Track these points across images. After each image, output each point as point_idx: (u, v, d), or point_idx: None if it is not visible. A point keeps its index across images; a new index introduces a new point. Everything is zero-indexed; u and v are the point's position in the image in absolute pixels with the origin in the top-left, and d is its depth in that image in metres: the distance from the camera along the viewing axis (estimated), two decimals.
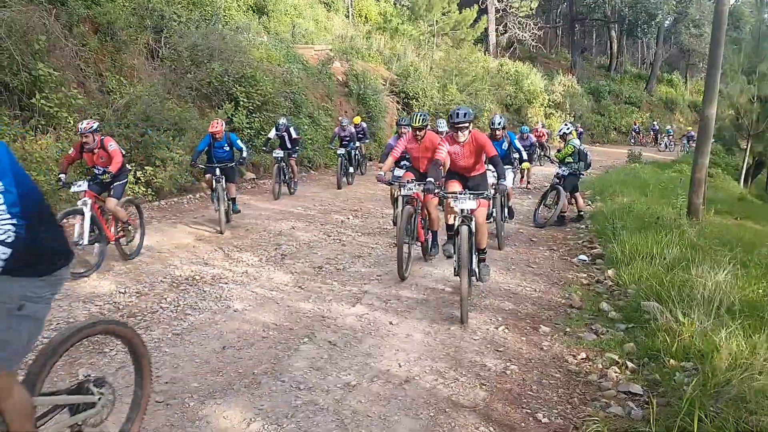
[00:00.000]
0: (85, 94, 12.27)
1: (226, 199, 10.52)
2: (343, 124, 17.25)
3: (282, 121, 14.64)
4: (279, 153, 14.01)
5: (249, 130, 16.52)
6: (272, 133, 14.50)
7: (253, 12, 26.59)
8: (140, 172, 12.11)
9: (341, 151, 16.63)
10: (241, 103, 16.71)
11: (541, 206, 12.33)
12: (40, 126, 11.09)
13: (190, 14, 18.35)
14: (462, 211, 6.48)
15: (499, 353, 5.45)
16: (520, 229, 11.57)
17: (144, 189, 12.12)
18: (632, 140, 40.75)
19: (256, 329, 5.91)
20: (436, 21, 36.01)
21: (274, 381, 4.75)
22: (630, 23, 49.21)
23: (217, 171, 10.41)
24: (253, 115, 16.91)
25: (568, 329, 6.06)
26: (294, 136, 14.76)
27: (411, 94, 28.37)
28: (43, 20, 11.74)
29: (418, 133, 8.28)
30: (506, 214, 10.51)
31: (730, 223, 13.64)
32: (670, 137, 40.35)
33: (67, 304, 6.46)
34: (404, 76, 28.95)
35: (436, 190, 6.72)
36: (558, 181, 11.95)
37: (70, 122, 11.34)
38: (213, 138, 10.55)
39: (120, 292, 7.00)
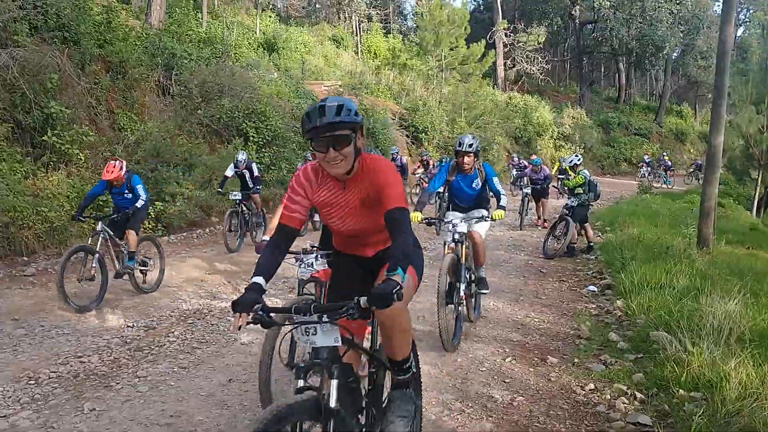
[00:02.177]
0: (96, 131, 12.45)
1: (117, 259, 8.44)
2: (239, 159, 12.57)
3: (241, 156, 12.40)
4: (236, 195, 11.96)
5: (259, 165, 16.63)
6: (229, 171, 12.26)
7: (264, 49, 27.03)
8: (151, 208, 12.21)
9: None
10: (251, 138, 16.87)
11: (550, 237, 12.28)
12: (51, 163, 11.23)
13: (200, 52, 18.68)
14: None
15: (506, 384, 5.39)
16: (529, 260, 11.54)
17: (154, 224, 12.22)
18: (644, 173, 34.81)
19: None
20: (444, 56, 36.35)
21: None
22: (638, 56, 49.38)
23: (100, 225, 8.14)
24: (263, 150, 17.05)
25: (576, 360, 6.00)
26: (255, 173, 12.49)
27: (420, 128, 28.56)
28: (56, 59, 11.95)
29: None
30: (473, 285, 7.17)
31: (741, 253, 13.52)
32: (651, 167, 35.23)
33: (75, 339, 6.48)
34: (413, 110, 29.21)
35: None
36: (567, 212, 11.93)
37: (81, 159, 11.49)
38: (110, 184, 8.39)
39: (128, 326, 7.02)
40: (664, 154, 43.28)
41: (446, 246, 6.59)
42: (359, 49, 37.40)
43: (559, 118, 41.24)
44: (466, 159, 6.77)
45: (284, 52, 27.92)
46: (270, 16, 33.31)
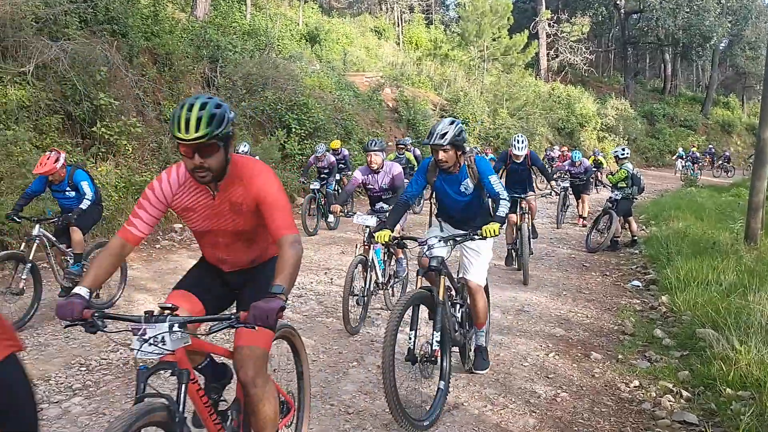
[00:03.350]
0: (143, 123, 12.68)
1: (63, 270, 7.45)
2: (318, 153, 13.60)
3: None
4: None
5: (300, 156, 16.76)
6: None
7: (306, 41, 27.17)
8: None
9: (315, 185, 13.19)
10: (294, 129, 17.00)
11: (594, 231, 12.14)
12: (100, 153, 11.49)
13: (245, 44, 18.87)
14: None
15: (549, 380, 5.38)
16: (572, 254, 11.44)
17: None
18: (686, 166, 32.96)
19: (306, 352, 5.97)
20: (487, 46, 36.09)
21: (323, 404, 4.78)
22: (684, 46, 48.31)
23: (37, 228, 6.97)
24: (305, 141, 17.17)
25: (620, 356, 5.95)
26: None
27: (461, 119, 28.39)
28: (105, 52, 12.21)
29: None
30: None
31: None
32: (685, 159, 32.80)
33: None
34: (454, 101, 29.07)
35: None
36: (611, 205, 11.78)
37: (129, 150, 11.73)
38: (49, 180, 7.18)
39: None
40: (711, 146, 42.33)
41: (417, 279, 4.84)
42: (401, 40, 37.32)
43: (602, 109, 40.59)
44: (441, 155, 4.82)
45: (326, 44, 28.01)
46: (312, 8, 33.44)
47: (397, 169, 7.44)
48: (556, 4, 49.16)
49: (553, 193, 11.71)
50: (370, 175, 7.46)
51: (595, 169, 18.52)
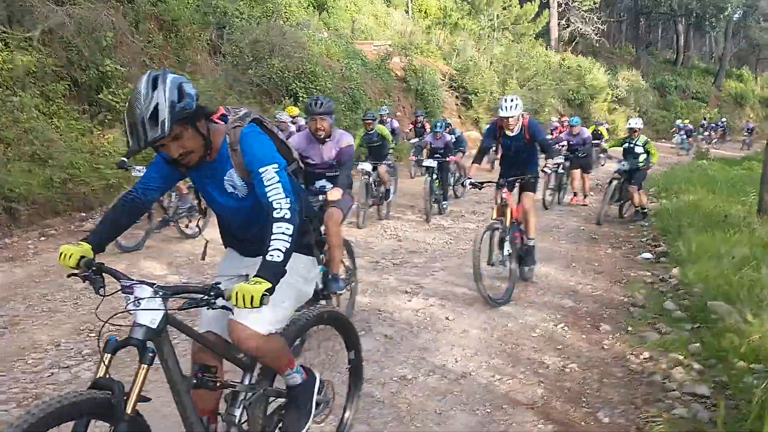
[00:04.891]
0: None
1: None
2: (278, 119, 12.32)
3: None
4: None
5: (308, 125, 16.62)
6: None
7: (314, 8, 26.84)
8: None
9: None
10: (300, 98, 16.86)
11: (607, 204, 11.79)
12: (107, 120, 11.42)
13: (251, 11, 18.64)
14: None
15: (558, 351, 5.34)
16: (581, 226, 11.34)
17: None
18: (701, 138, 34.03)
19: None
20: (497, 15, 35.66)
21: (330, 373, 4.75)
22: (698, 17, 47.69)
23: None
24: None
25: (630, 328, 5.89)
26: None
27: (470, 89, 28.17)
28: (111, 17, 12.07)
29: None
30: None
31: None
32: (682, 132, 31.13)
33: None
34: (463, 71, 28.80)
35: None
36: (619, 176, 11.54)
37: None
38: None
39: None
40: (723, 118, 41.87)
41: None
42: (410, 8, 36.85)
43: (613, 80, 40.17)
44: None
45: (334, 11, 27.67)
46: None
47: (348, 140, 5.85)
48: None
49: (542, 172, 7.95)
50: (311, 145, 5.81)
51: (597, 141, 17.77)
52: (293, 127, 12.10)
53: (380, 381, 4.63)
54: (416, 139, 16.12)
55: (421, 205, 11.78)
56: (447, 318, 6.06)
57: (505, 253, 6.64)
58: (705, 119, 40.79)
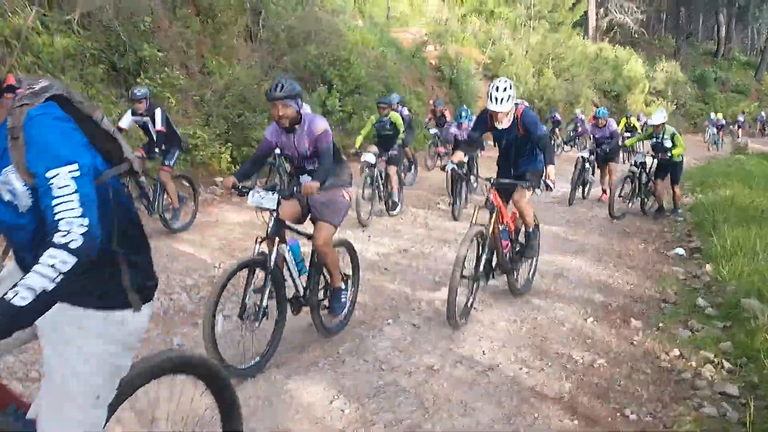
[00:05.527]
0: (187, 75, 12.70)
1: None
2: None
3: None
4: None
5: (341, 113, 16.66)
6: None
7: None
8: (236, 152, 12.43)
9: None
10: (335, 86, 16.86)
11: (635, 199, 11.49)
12: None
13: None
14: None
15: (587, 345, 5.31)
16: (614, 220, 11.20)
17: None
18: (732, 132, 33.96)
19: None
20: (534, 4, 35.22)
21: (357, 360, 4.80)
22: (740, 7, 46.61)
23: None
24: (346, 98, 17.04)
25: (661, 324, 5.83)
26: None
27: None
28: (149, 2, 12.20)
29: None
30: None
31: None
32: (722, 127, 30.63)
33: (165, 276, 6.70)
34: (498, 60, 28.55)
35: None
36: (637, 168, 11.15)
37: (172, 102, 11.76)
38: None
39: (215, 266, 7.23)
40: (762, 112, 40.96)
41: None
42: None
43: (651, 71, 39.47)
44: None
45: None
46: None
47: (320, 125, 4.93)
48: None
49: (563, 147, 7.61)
50: (284, 136, 5.03)
51: (628, 134, 16.79)
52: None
53: (407, 370, 4.66)
54: (435, 129, 15.65)
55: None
56: (475, 309, 6.05)
57: (482, 267, 5.82)
58: (743, 113, 39.90)
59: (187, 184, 9.24)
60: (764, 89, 49.26)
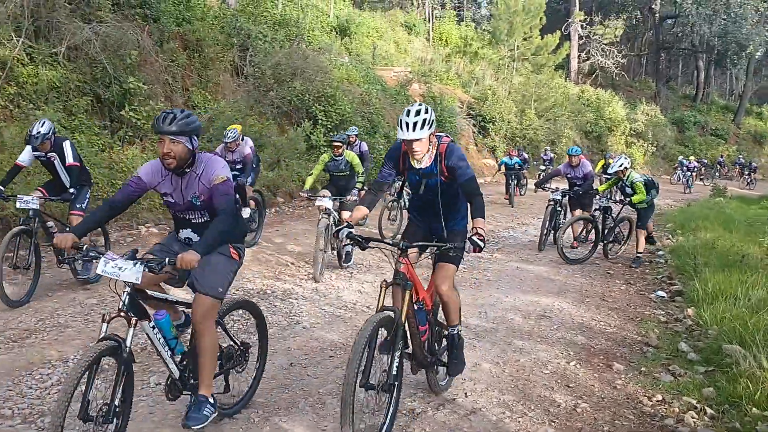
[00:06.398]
0: (171, 108, 12.69)
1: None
2: (227, 140, 9.76)
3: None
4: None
5: (326, 148, 16.69)
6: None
7: (336, 33, 27.13)
8: None
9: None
10: (320, 121, 16.95)
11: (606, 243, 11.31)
12: (127, 137, 11.55)
13: (275, 33, 18.85)
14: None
15: (569, 389, 5.27)
16: (596, 260, 11.24)
17: None
18: (716, 173, 37.62)
19: (323, 347, 5.94)
20: (517, 46, 35.82)
21: (338, 402, 4.71)
22: (719, 53, 47.64)
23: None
24: (331, 132, 17.11)
25: (643, 368, 5.81)
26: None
27: (488, 118, 28.28)
28: (136, 36, 12.25)
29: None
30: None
31: None
32: (693, 169, 31.39)
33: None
34: (482, 100, 28.94)
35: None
36: (598, 214, 11.02)
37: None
38: None
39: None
40: (740, 156, 41.78)
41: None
42: (431, 36, 37.11)
43: (632, 114, 40.09)
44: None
45: (356, 37, 27.93)
46: (344, 0, 33.38)
47: (219, 171, 3.90)
48: (590, 6, 48.75)
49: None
50: (168, 178, 3.97)
51: (607, 177, 15.14)
52: (247, 149, 9.92)
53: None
54: None
55: None
56: None
57: (394, 367, 4.02)
58: (722, 156, 40.85)
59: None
60: (743, 133, 50.15)
